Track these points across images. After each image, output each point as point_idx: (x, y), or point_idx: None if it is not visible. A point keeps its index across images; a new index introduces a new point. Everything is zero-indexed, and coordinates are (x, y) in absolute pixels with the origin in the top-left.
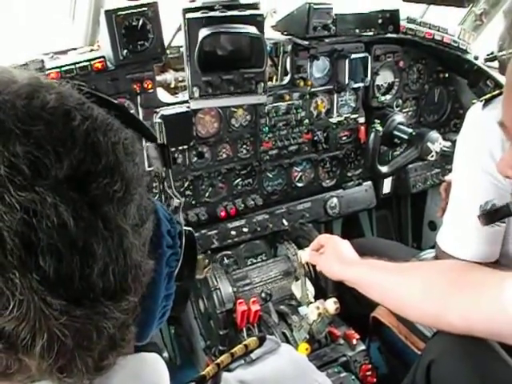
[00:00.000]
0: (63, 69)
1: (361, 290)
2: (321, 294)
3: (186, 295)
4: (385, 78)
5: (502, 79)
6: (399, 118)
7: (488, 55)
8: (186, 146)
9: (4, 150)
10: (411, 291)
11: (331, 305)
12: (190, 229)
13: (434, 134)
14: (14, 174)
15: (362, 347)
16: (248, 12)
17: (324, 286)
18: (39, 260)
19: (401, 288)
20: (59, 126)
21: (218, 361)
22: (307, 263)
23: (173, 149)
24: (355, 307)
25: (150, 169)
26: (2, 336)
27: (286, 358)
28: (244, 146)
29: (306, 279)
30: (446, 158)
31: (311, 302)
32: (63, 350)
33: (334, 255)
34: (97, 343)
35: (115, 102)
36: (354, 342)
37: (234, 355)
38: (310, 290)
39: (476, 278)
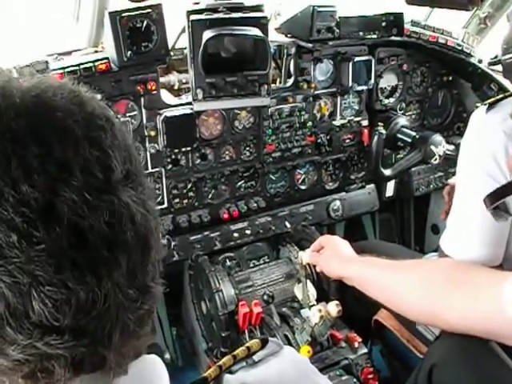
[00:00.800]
0: (67, 70)
1: (359, 287)
2: (323, 297)
3: None
4: (388, 80)
5: (505, 83)
6: (403, 121)
7: (492, 59)
8: (189, 148)
9: (76, 155)
10: (409, 289)
11: (333, 307)
12: None
13: (438, 138)
14: (89, 178)
15: (364, 350)
16: (252, 14)
17: (326, 289)
18: (118, 256)
19: (399, 285)
20: (109, 131)
21: (220, 363)
22: (308, 264)
23: (176, 150)
24: (357, 310)
25: (153, 170)
26: (85, 334)
27: (288, 360)
28: (247, 148)
29: (308, 281)
30: (449, 162)
31: (313, 305)
32: (130, 337)
33: (334, 254)
34: (144, 326)
35: None
36: (356, 345)
37: (236, 357)
38: (312, 292)
39: (475, 277)
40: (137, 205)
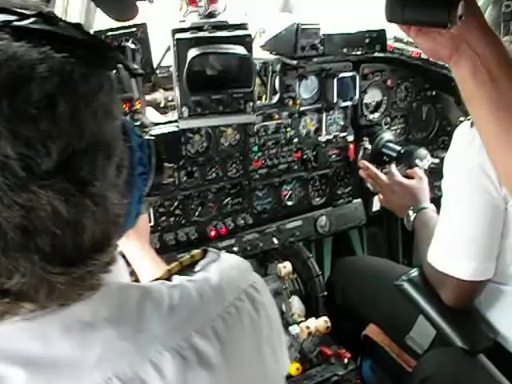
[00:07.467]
0: None
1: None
2: (311, 313)
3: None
4: (373, 96)
5: None
6: (388, 135)
7: None
8: (175, 166)
9: None
10: None
11: (322, 324)
12: (152, 138)
13: (423, 151)
14: (8, 175)
15: (354, 366)
16: (236, 32)
17: (314, 305)
18: (37, 242)
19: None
20: (45, 119)
21: (169, 267)
22: (292, 280)
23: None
24: (346, 326)
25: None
26: (7, 294)
27: (226, 263)
28: (233, 165)
29: (297, 297)
30: (434, 175)
31: (302, 321)
32: (60, 294)
33: None
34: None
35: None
36: (346, 360)
37: (182, 263)
38: (300, 307)
39: None
40: (66, 197)
